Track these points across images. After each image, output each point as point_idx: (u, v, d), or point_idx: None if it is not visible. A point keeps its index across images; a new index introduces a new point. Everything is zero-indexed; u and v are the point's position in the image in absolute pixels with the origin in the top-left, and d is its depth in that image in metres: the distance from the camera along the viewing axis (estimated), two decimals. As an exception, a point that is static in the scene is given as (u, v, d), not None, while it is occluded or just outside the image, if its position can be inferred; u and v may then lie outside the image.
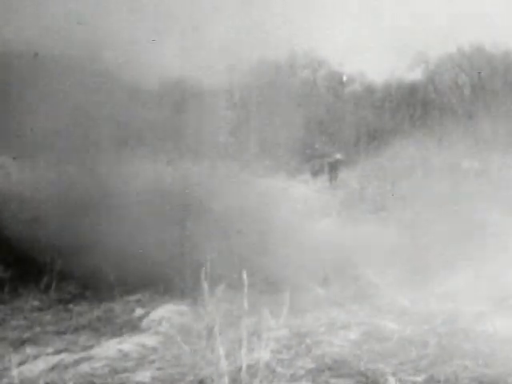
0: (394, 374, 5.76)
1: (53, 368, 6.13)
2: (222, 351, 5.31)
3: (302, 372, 5.81)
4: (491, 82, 33.90)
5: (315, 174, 20.54)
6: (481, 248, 11.13)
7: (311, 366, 5.99)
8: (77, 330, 7.58)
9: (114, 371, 6.04)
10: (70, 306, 8.84)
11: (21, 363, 6.25)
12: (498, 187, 16.33)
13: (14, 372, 5.70)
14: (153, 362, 6.24)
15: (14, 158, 14.60)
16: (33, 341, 7.15)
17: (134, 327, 7.62)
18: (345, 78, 21.24)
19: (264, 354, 5.85)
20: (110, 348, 6.61)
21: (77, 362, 6.22)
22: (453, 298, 8.55)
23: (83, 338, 7.17)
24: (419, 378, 5.68)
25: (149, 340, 6.87)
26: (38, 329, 7.64)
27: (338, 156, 18.33)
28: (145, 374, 5.88)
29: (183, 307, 8.17)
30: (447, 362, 6.03)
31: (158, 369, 6.02)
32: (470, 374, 5.74)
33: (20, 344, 7.04)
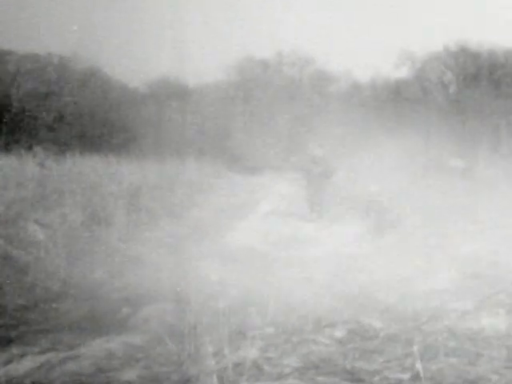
0: (379, 372, 5.80)
1: (39, 367, 6.12)
2: (208, 350, 5.33)
3: (288, 370, 5.83)
4: (476, 80, 34.00)
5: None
6: (464, 246, 11.22)
7: (298, 364, 6.01)
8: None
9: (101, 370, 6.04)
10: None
11: (7, 362, 6.25)
12: (484, 185, 16.45)
13: (0, 371, 5.69)
14: (139, 360, 6.25)
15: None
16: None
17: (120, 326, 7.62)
18: None
19: (251, 353, 5.88)
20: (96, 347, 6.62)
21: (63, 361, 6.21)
22: (438, 295, 8.61)
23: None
24: (405, 376, 5.72)
25: (135, 339, 6.88)
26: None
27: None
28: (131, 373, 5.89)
29: (169, 306, 8.18)
30: (432, 359, 6.07)
31: (145, 367, 6.03)
32: (455, 372, 5.78)
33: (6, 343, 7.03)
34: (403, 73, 36.70)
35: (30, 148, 22.20)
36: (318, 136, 24.44)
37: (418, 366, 5.71)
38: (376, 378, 5.68)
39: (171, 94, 29.80)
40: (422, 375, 5.58)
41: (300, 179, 19.22)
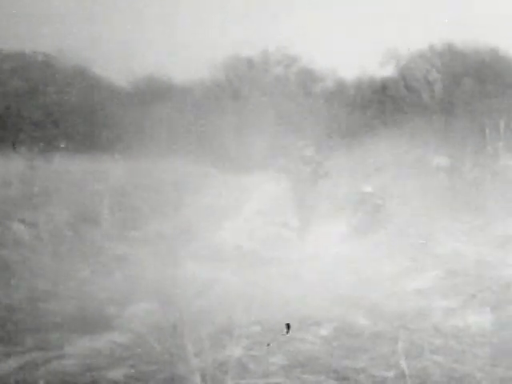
0: (364, 370, 5.81)
1: (24, 366, 6.10)
2: (193, 348, 5.32)
3: (274, 368, 5.83)
4: (462, 79, 34.09)
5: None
6: (449, 245, 11.23)
7: (283, 362, 6.01)
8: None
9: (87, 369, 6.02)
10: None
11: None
12: (469, 184, 16.44)
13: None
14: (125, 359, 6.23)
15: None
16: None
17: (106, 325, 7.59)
18: None
19: (236, 351, 5.87)
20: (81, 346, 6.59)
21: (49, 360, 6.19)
22: (424, 294, 8.62)
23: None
24: (390, 374, 5.73)
25: (121, 338, 6.85)
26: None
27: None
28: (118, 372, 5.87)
29: (155, 305, 8.16)
30: (418, 357, 6.08)
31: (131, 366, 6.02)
32: (440, 370, 5.80)
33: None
34: (388, 71, 36.64)
35: (15, 147, 22.08)
36: (304, 135, 24.40)
37: (403, 363, 5.72)
38: (361, 376, 5.68)
39: (158, 92, 29.70)
40: (407, 373, 5.59)
41: (288, 179, 19.17)
